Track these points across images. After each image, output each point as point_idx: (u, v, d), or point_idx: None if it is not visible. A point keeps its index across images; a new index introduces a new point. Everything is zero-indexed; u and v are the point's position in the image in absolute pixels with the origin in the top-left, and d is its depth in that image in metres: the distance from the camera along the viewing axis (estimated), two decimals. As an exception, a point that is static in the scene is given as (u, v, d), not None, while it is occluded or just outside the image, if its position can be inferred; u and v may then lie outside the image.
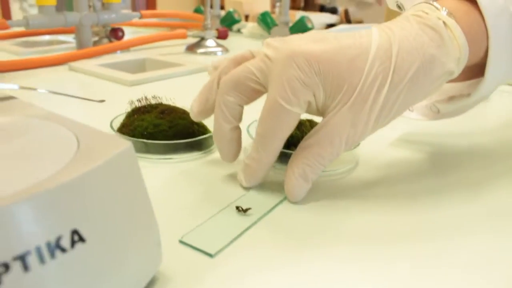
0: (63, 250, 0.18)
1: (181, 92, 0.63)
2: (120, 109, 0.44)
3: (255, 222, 0.30)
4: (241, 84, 0.34)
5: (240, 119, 0.35)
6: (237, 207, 0.31)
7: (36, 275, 0.17)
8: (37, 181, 0.18)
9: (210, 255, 0.26)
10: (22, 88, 0.33)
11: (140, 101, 0.44)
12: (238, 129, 0.36)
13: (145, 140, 0.39)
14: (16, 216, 0.16)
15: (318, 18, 1.25)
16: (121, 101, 0.46)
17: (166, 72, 0.72)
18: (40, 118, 0.26)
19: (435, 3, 0.34)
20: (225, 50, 0.97)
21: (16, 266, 0.16)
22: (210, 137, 0.41)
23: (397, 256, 0.27)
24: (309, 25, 1.11)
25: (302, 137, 0.39)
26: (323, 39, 0.32)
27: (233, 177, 0.37)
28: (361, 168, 0.40)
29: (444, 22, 0.33)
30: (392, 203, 0.34)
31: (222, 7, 1.45)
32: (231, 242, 0.28)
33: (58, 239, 0.18)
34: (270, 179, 0.36)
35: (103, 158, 0.20)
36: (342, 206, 0.33)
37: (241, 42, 1.15)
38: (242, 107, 0.35)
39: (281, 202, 0.33)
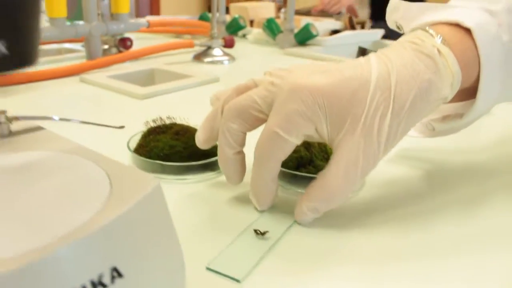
0: (104, 286, 0.20)
1: (192, 105, 0.65)
2: (133, 123, 0.46)
3: (273, 245, 0.32)
4: (245, 112, 0.35)
5: (243, 144, 0.37)
6: (255, 231, 0.33)
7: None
8: (79, 224, 0.20)
9: (237, 281, 0.28)
10: (61, 119, 0.35)
11: (155, 122, 0.45)
12: (241, 153, 0.37)
13: (161, 162, 0.41)
14: (64, 259, 0.18)
15: (322, 25, 1.27)
16: (135, 116, 0.48)
17: (176, 84, 0.74)
18: (71, 152, 0.28)
19: (430, 30, 0.36)
20: (232, 58, 0.99)
21: (65, 303, 0.18)
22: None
23: (399, 275, 0.29)
24: (314, 32, 1.13)
25: (311, 158, 0.42)
26: (325, 71, 0.34)
27: (245, 197, 0.39)
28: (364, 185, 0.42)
29: (438, 50, 0.35)
30: (392, 223, 0.36)
31: (227, 12, 1.46)
32: (255, 266, 0.30)
33: (100, 277, 0.20)
34: (281, 200, 0.38)
35: (136, 198, 0.22)
36: (348, 227, 0.35)
37: (247, 50, 1.16)
38: (245, 133, 0.36)
39: (294, 223, 0.35)
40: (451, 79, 0.35)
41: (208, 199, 0.39)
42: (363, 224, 0.36)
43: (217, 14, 1.17)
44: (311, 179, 0.40)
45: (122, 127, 0.41)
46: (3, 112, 0.31)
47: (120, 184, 0.24)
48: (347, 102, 0.32)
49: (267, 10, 1.54)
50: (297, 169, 0.41)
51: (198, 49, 1.02)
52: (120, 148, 0.44)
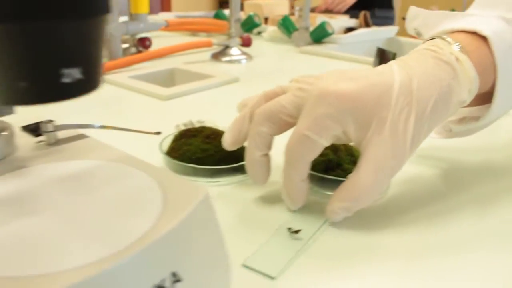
0: (166, 290, 0.21)
1: (214, 106, 0.67)
2: (159, 124, 0.48)
3: (306, 244, 0.34)
4: (274, 116, 0.37)
5: (270, 147, 0.39)
6: (289, 229, 0.35)
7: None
8: (141, 234, 0.21)
9: (272, 278, 0.30)
10: (103, 127, 0.36)
11: (186, 125, 0.47)
12: (268, 156, 0.39)
13: (195, 166, 0.42)
14: (133, 266, 0.20)
15: (337, 23, 1.27)
16: (160, 117, 0.49)
17: (198, 85, 0.75)
18: (118, 161, 0.29)
19: (448, 38, 0.38)
20: (249, 57, 1.00)
21: (133, 307, 0.20)
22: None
23: (426, 272, 0.31)
24: (330, 31, 1.14)
25: (339, 161, 0.43)
26: (352, 78, 0.35)
27: (275, 198, 0.40)
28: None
29: (456, 57, 0.36)
30: (418, 222, 0.37)
31: (241, 9, 1.47)
32: (289, 263, 0.31)
33: (162, 281, 0.21)
34: (311, 201, 0.40)
35: (189, 207, 0.24)
36: (376, 227, 0.37)
37: (263, 48, 1.17)
38: (273, 137, 0.38)
39: (324, 223, 0.37)
40: (469, 85, 0.37)
41: (240, 200, 0.40)
42: (389, 223, 0.37)
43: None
44: (339, 182, 0.41)
45: (158, 133, 0.42)
46: (51, 121, 0.33)
47: (171, 193, 0.25)
48: (373, 107, 0.34)
49: (281, 7, 1.54)
50: (325, 172, 0.42)
51: (215, 47, 1.03)
52: (148, 150, 0.46)
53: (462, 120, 0.44)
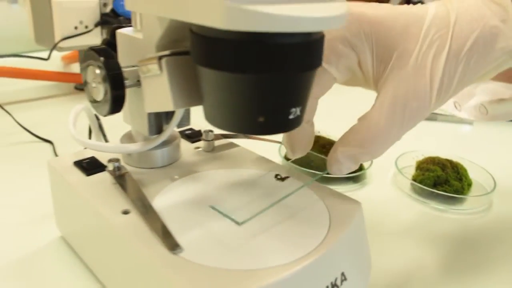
0: (338, 287, 0.26)
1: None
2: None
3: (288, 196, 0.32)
4: None
5: (313, 111, 0.33)
6: (276, 175, 0.33)
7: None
8: (321, 240, 0.26)
9: (237, 223, 0.28)
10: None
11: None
12: (312, 124, 0.33)
13: (314, 172, 0.47)
14: (319, 266, 0.25)
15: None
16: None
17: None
18: (273, 170, 0.34)
19: None
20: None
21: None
22: (364, 173, 0.49)
23: None
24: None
25: (446, 178, 0.47)
26: (378, 6, 0.30)
27: (388, 204, 0.44)
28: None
29: None
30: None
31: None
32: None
33: (336, 280, 0.26)
34: (419, 213, 0.44)
35: (352, 219, 0.29)
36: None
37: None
38: (317, 100, 0.32)
39: (317, 177, 0.33)
40: None
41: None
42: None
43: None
44: (447, 197, 0.45)
45: (279, 142, 0.47)
46: (211, 131, 0.39)
47: (332, 206, 0.30)
48: (398, 35, 0.29)
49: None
50: (434, 187, 0.46)
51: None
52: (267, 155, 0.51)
53: (501, 101, 0.41)
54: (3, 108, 0.61)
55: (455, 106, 0.45)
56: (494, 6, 0.30)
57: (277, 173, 0.34)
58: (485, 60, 0.29)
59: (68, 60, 0.91)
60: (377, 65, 0.30)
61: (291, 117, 0.24)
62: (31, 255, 0.36)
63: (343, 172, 0.31)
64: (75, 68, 0.90)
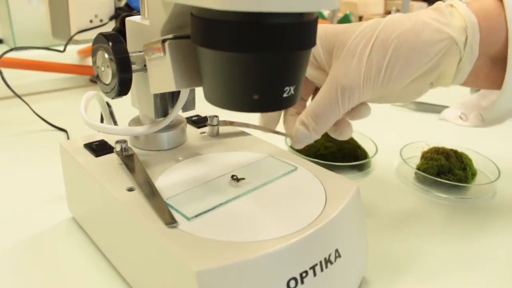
0: (331, 263, 0.27)
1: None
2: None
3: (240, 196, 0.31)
4: None
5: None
6: (233, 176, 0.33)
7: (318, 278, 0.27)
8: (315, 217, 0.27)
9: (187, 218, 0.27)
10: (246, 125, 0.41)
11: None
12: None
13: (319, 161, 0.48)
14: (313, 239, 0.26)
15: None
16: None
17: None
18: (279, 156, 0.35)
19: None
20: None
21: (310, 272, 0.26)
22: (370, 160, 0.50)
23: None
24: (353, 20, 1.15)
25: (450, 167, 0.47)
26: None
27: (391, 192, 0.45)
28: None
29: (451, 5, 0.34)
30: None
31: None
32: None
33: (329, 256, 0.27)
34: (422, 199, 0.44)
35: (346, 199, 0.29)
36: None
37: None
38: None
39: (277, 177, 0.33)
40: (462, 23, 0.33)
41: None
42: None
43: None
44: (450, 185, 0.46)
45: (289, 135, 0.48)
46: (216, 116, 0.40)
47: (331, 187, 0.31)
48: (341, 32, 0.35)
49: (376, 7, 1.55)
50: (437, 176, 0.46)
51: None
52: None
53: (488, 108, 0.41)
54: (21, 99, 0.63)
55: (461, 117, 0.48)
56: (430, 11, 0.35)
57: (234, 174, 0.33)
58: (418, 48, 0.33)
59: (84, 54, 0.93)
60: (326, 55, 0.36)
61: (285, 95, 0.25)
62: (43, 233, 0.38)
63: (301, 140, 0.36)
64: (91, 62, 0.92)
